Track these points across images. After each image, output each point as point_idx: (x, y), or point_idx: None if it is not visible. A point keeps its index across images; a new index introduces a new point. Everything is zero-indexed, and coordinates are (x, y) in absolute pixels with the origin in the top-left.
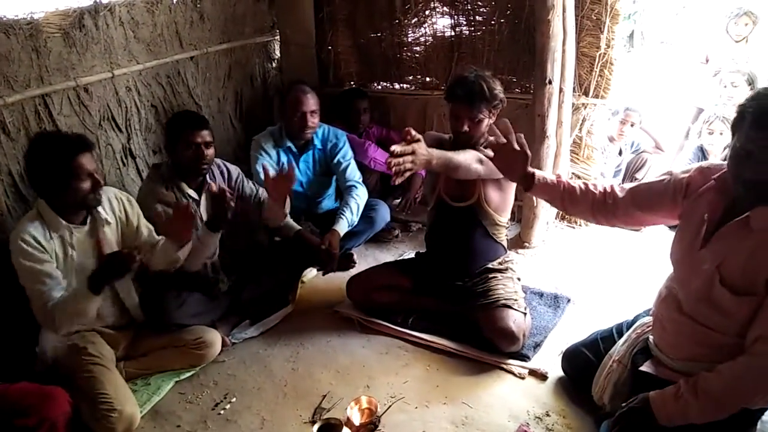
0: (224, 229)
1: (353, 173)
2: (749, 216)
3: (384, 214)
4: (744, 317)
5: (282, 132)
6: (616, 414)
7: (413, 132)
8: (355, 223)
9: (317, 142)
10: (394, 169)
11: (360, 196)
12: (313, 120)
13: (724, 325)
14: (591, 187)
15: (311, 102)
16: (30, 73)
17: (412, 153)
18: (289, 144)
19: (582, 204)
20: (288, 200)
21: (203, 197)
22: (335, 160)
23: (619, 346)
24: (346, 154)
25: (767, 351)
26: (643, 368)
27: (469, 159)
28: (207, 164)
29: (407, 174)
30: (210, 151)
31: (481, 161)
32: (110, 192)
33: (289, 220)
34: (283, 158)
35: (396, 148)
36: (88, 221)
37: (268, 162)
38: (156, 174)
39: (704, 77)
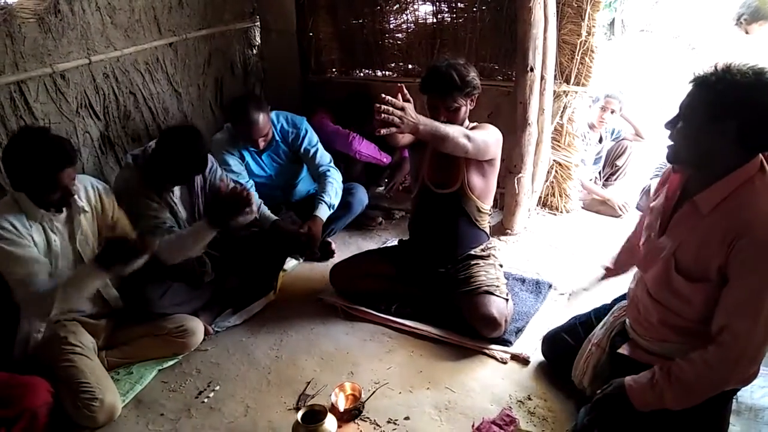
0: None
1: (323, 158)
2: (695, 201)
3: (361, 197)
4: (700, 303)
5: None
6: (592, 400)
7: (405, 91)
8: (336, 205)
9: (277, 137)
10: (381, 116)
11: (336, 179)
12: (266, 139)
13: (684, 311)
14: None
15: (261, 127)
16: (4, 60)
17: (402, 110)
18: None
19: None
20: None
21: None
22: (302, 150)
23: (598, 330)
24: (311, 140)
25: (732, 340)
26: (620, 351)
27: (456, 132)
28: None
29: (393, 130)
30: None
31: (468, 138)
32: (86, 181)
33: (265, 210)
34: (247, 156)
35: (387, 97)
36: (65, 209)
37: (234, 162)
38: (132, 164)
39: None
